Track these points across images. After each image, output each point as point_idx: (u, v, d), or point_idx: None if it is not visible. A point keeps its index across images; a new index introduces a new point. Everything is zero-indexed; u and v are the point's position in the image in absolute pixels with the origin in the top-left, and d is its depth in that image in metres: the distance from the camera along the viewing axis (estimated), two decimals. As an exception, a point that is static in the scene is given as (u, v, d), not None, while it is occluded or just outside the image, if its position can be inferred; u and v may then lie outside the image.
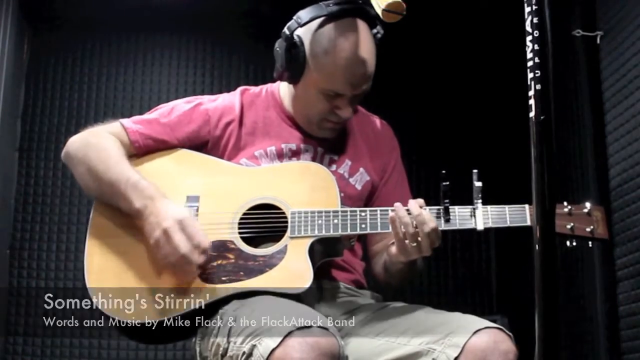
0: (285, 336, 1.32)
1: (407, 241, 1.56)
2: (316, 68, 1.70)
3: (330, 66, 1.68)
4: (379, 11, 1.63)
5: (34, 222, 3.10)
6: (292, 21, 1.72)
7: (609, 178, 2.41)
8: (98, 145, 1.71)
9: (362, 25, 1.71)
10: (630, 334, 2.26)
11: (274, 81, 1.91)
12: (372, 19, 1.72)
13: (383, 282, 1.82)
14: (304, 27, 1.71)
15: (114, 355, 2.99)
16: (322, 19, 1.70)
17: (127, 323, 1.58)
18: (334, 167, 1.81)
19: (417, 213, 1.57)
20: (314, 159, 1.80)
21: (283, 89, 1.88)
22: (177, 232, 1.56)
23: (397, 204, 1.59)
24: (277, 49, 1.74)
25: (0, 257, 2.97)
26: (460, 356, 1.42)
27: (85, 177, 1.70)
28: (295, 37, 1.70)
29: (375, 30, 1.74)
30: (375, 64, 1.73)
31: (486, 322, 1.47)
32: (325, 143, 1.83)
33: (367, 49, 1.70)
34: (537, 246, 1.00)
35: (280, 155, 1.78)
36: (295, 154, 1.80)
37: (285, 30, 1.71)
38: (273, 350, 1.31)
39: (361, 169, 1.84)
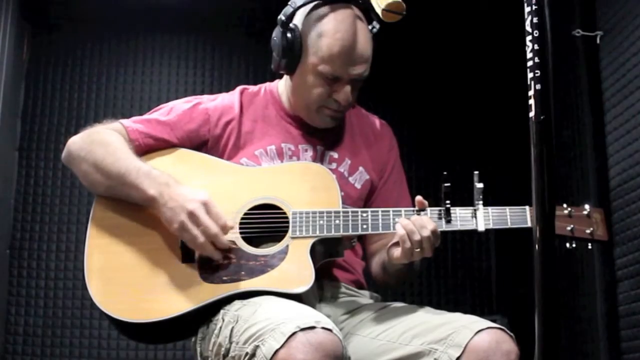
0: (289, 337, 1.31)
1: (412, 246, 1.56)
2: (312, 51, 1.71)
3: (326, 48, 1.69)
4: (378, 11, 1.64)
5: (34, 222, 3.10)
6: (287, 6, 1.73)
7: (608, 178, 2.41)
8: (103, 140, 1.71)
9: (355, 10, 1.74)
10: (630, 334, 2.26)
11: (272, 80, 1.92)
12: (365, 11, 1.74)
13: (381, 282, 1.82)
14: (299, 12, 1.73)
15: (114, 355, 2.99)
16: (316, 2, 1.72)
17: (127, 322, 1.58)
18: (333, 165, 1.81)
19: (416, 218, 1.58)
20: (314, 158, 1.80)
21: (282, 87, 1.88)
22: (204, 214, 1.56)
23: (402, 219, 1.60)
24: (274, 37, 1.76)
25: (0, 257, 2.97)
26: (462, 356, 1.41)
27: (91, 172, 1.69)
28: (289, 22, 1.72)
29: (370, 27, 1.76)
30: (373, 54, 1.75)
31: (488, 322, 1.48)
32: (325, 141, 1.83)
33: (361, 31, 1.72)
34: (537, 246, 1.00)
35: (280, 154, 1.78)
36: (295, 152, 1.80)
37: (281, 16, 1.73)
38: (277, 351, 1.31)
39: (360, 168, 1.84)
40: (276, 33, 1.74)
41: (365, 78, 1.76)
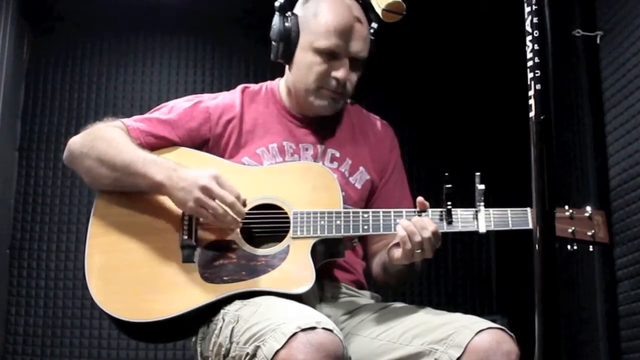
0: (290, 337, 1.31)
1: (412, 248, 1.56)
2: (310, 30, 1.74)
3: (322, 23, 1.73)
4: (378, 11, 1.64)
5: (34, 222, 3.10)
6: None
7: (609, 178, 2.41)
8: (104, 136, 1.71)
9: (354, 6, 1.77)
10: (630, 334, 2.26)
11: (273, 80, 1.92)
12: (365, 11, 1.76)
13: (381, 282, 1.82)
14: None
15: (114, 355, 2.99)
16: None
17: (127, 322, 1.58)
18: (335, 164, 1.81)
19: (417, 219, 1.58)
20: (314, 157, 1.80)
21: (282, 85, 1.88)
22: (217, 187, 1.57)
23: (402, 220, 1.60)
24: (273, 25, 1.78)
25: (0, 257, 2.97)
26: (463, 356, 1.41)
27: (95, 167, 1.69)
28: (286, 6, 1.75)
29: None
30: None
31: (488, 323, 1.48)
32: (326, 141, 1.83)
33: (357, 11, 1.75)
34: (537, 246, 1.00)
35: (282, 152, 1.78)
36: (296, 151, 1.80)
37: (279, 1, 1.75)
38: (277, 351, 1.31)
39: (361, 168, 1.84)
40: (274, 20, 1.77)
41: (363, 60, 1.77)
